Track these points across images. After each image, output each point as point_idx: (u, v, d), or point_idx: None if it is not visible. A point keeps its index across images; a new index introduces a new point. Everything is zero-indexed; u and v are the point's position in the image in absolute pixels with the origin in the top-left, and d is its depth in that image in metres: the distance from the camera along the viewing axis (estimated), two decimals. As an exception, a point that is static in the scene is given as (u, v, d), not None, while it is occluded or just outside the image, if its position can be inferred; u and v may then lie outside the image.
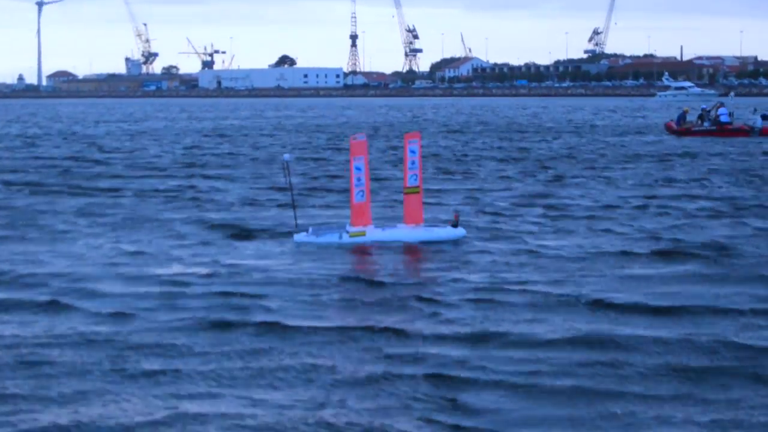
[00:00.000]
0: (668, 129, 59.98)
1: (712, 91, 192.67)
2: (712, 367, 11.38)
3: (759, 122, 56.94)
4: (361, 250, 19.11)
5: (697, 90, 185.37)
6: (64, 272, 16.96)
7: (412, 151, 19.90)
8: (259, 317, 13.76)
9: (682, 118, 58.96)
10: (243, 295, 15.14)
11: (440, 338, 12.66)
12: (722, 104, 58.99)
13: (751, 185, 31.12)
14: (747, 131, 56.03)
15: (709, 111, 58.41)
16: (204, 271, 17.02)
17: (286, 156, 20.46)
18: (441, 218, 22.05)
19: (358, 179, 19.53)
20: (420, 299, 14.85)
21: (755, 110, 62.22)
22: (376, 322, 13.40)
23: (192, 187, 31.33)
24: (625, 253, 18.55)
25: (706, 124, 57.34)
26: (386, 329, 13.02)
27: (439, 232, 19.83)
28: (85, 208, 25.86)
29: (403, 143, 20.14)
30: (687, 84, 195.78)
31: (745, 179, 32.85)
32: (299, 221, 20.86)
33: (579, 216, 23.84)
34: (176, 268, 17.28)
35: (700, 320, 13.67)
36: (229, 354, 11.91)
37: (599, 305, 14.45)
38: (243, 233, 21.18)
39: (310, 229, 19.96)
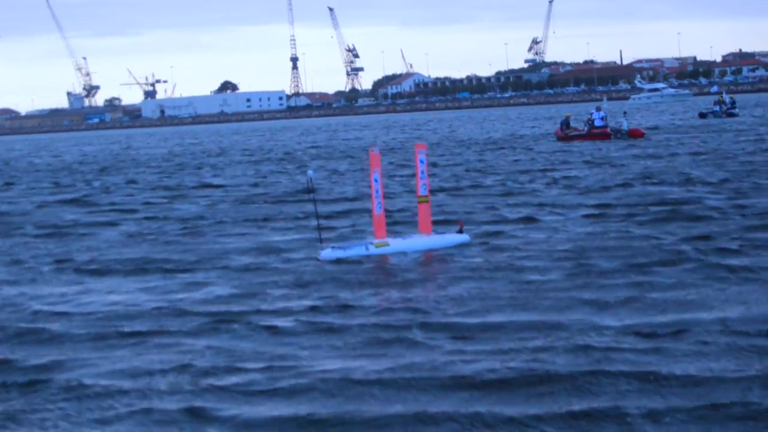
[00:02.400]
0: (556, 135, 61.26)
1: (687, 91, 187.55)
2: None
3: (625, 125, 58.63)
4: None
5: (671, 91, 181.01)
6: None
7: (422, 161, 20.43)
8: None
9: (565, 123, 60.24)
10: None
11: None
12: (599, 108, 60.03)
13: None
14: (609, 134, 56.97)
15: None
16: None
17: (310, 172, 20.61)
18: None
19: (377, 191, 19.86)
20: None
21: (625, 113, 63.68)
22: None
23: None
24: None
25: (586, 128, 58.33)
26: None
27: (449, 239, 20.36)
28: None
29: (414, 154, 20.68)
30: (660, 85, 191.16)
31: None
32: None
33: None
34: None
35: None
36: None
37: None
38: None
39: (333, 245, 19.89)
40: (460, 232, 20.51)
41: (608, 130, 57.47)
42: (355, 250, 19.37)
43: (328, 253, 19.29)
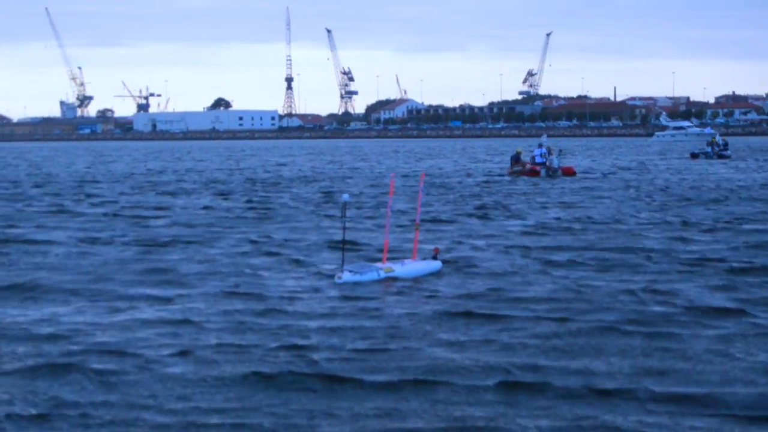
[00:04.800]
0: (508, 172, 61.96)
1: (711, 130, 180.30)
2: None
3: (555, 162, 59.19)
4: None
5: (696, 130, 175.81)
6: None
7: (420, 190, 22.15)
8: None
9: (514, 158, 61.24)
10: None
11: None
12: (540, 145, 60.51)
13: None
14: (537, 172, 57.91)
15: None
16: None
17: (345, 196, 20.95)
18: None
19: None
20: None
21: (560, 152, 64.42)
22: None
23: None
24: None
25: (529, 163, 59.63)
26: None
27: (432, 265, 21.38)
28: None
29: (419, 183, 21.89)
30: (685, 123, 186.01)
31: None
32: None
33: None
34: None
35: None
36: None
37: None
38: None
39: (350, 269, 20.53)
40: (435, 258, 21.56)
41: (537, 168, 58.49)
42: (369, 275, 20.31)
43: (347, 276, 20.14)
